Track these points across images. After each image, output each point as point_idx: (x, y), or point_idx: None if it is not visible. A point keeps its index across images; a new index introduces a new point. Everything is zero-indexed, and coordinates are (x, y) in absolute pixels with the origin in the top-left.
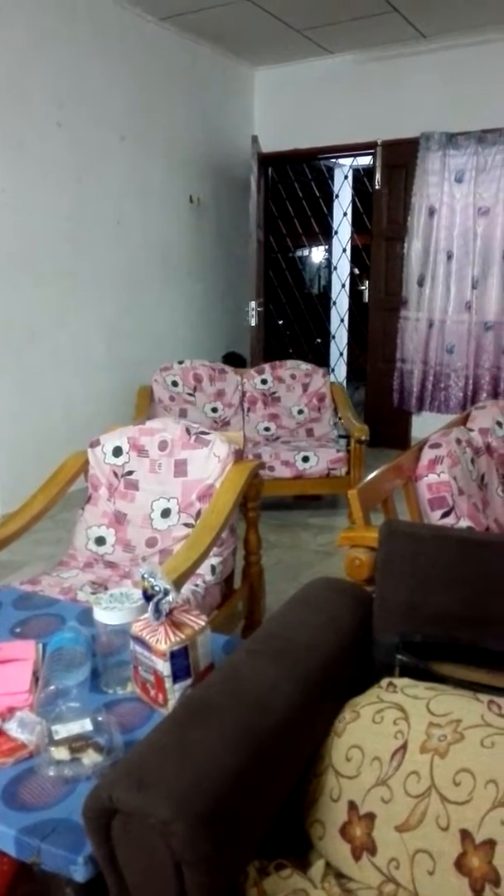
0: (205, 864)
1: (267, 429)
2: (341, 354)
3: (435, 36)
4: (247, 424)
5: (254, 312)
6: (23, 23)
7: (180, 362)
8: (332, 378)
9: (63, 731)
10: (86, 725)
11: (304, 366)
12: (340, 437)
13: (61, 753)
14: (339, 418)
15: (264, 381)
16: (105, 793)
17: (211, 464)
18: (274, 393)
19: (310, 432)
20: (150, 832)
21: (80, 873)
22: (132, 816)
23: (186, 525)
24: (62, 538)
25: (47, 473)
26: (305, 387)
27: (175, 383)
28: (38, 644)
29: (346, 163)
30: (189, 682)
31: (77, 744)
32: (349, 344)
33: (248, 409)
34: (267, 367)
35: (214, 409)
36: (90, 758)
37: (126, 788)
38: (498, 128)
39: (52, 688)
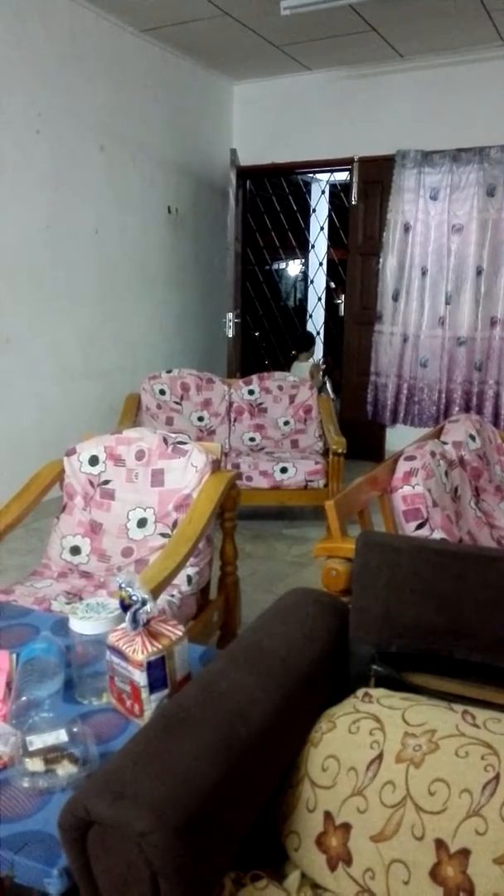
0: (181, 876)
1: (252, 439)
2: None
3: (412, 56)
4: (232, 434)
5: (231, 323)
6: (1, 29)
7: (168, 371)
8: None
9: (38, 742)
10: (61, 736)
11: (292, 377)
12: (326, 449)
13: (36, 765)
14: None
15: (251, 392)
16: (81, 804)
17: (188, 474)
18: (261, 404)
19: (295, 444)
20: (127, 844)
21: (54, 886)
22: (108, 828)
23: (163, 535)
24: (36, 547)
25: (21, 482)
26: (292, 398)
27: (162, 391)
28: (12, 654)
29: (323, 178)
30: (166, 692)
31: (52, 755)
32: (325, 356)
33: (235, 419)
34: (255, 377)
35: (201, 418)
36: (65, 769)
37: (102, 800)
38: (472, 147)
39: (24, 699)
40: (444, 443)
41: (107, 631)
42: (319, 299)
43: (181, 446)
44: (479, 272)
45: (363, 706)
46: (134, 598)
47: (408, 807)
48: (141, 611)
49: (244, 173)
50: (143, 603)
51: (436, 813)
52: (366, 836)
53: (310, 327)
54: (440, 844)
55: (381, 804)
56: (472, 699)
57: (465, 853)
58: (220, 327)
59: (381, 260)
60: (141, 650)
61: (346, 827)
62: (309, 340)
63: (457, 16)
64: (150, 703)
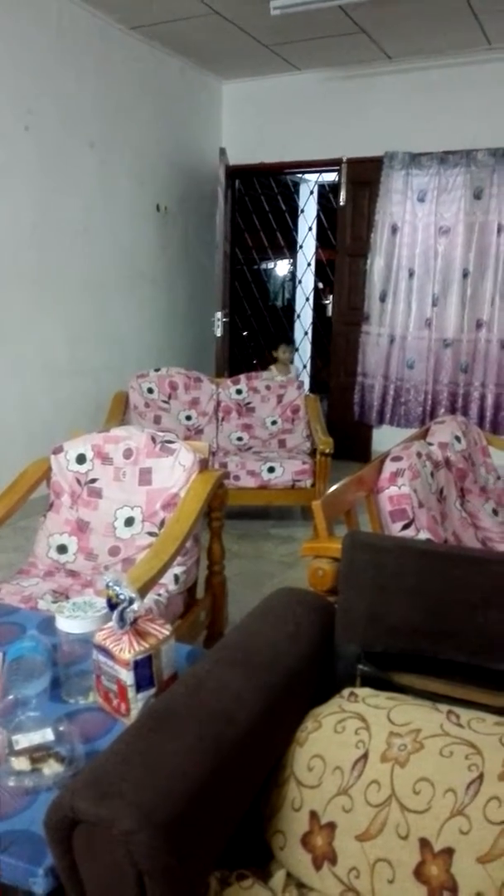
0: (167, 875)
1: (240, 438)
2: (304, 367)
3: (400, 57)
4: (220, 433)
5: (219, 323)
6: None
7: (156, 369)
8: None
9: (24, 741)
10: (47, 735)
11: (280, 377)
12: (313, 449)
13: (21, 764)
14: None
15: (239, 391)
16: (67, 803)
17: (176, 473)
18: (248, 403)
19: (282, 443)
20: (112, 843)
21: (40, 885)
22: (94, 827)
23: (150, 534)
24: (22, 546)
25: (7, 480)
26: (280, 398)
27: (150, 390)
28: None
29: (312, 178)
30: (152, 691)
31: (38, 754)
32: (312, 357)
33: (222, 419)
34: (242, 377)
35: (188, 417)
36: (51, 768)
37: (88, 799)
38: (459, 149)
39: (10, 697)
40: (430, 444)
41: (94, 630)
42: (307, 299)
43: (169, 445)
44: (465, 274)
45: (349, 706)
46: (121, 596)
47: (392, 806)
48: (128, 610)
49: (233, 172)
50: (131, 602)
51: (420, 812)
52: (351, 836)
53: (297, 327)
54: (424, 843)
55: (367, 803)
56: (457, 699)
57: (449, 852)
58: (208, 326)
59: (368, 261)
60: (128, 649)
61: (332, 826)
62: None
63: (445, 19)
64: (137, 702)
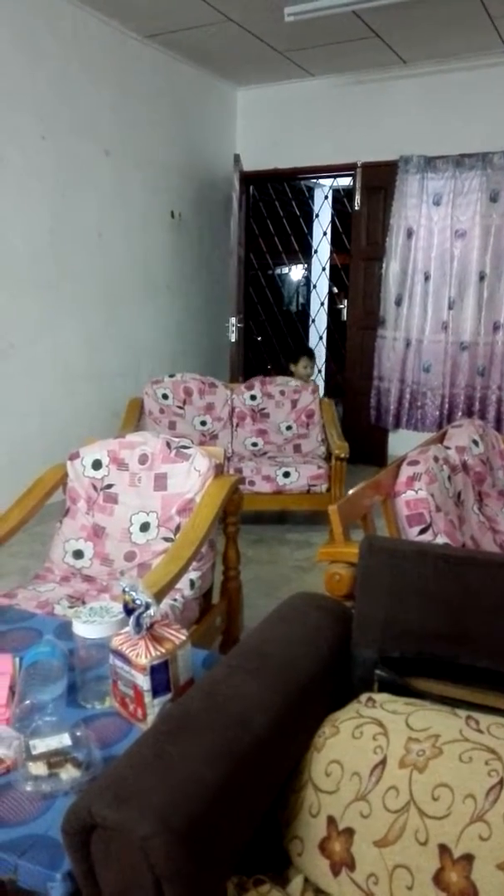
0: (184, 880)
1: (254, 444)
2: (319, 371)
3: (415, 61)
4: (235, 439)
5: (233, 328)
6: (7, 35)
7: (171, 375)
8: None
9: (41, 745)
10: (64, 740)
11: (294, 382)
12: (329, 454)
13: (39, 769)
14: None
15: (253, 397)
16: (84, 808)
17: (191, 478)
18: (263, 409)
19: (297, 448)
20: (130, 848)
21: (57, 890)
22: (112, 832)
23: (166, 539)
24: (38, 551)
25: (23, 486)
26: (294, 403)
27: (165, 396)
28: (15, 658)
29: (327, 183)
30: (169, 696)
31: (55, 759)
32: (327, 361)
33: (237, 424)
34: (256, 382)
35: (203, 423)
36: (68, 773)
37: (106, 804)
38: (475, 152)
39: (27, 702)
40: (447, 448)
41: (110, 635)
42: (322, 304)
43: (184, 450)
44: (481, 277)
45: (366, 711)
46: (137, 601)
47: (411, 812)
48: (144, 615)
49: (247, 178)
50: (147, 607)
51: (439, 818)
52: (369, 842)
53: (312, 332)
54: (444, 850)
55: (385, 809)
56: (476, 704)
57: (468, 858)
58: (222, 332)
59: (383, 265)
60: (144, 654)
61: (350, 832)
62: (301, 351)
63: (460, 22)
64: (153, 707)
